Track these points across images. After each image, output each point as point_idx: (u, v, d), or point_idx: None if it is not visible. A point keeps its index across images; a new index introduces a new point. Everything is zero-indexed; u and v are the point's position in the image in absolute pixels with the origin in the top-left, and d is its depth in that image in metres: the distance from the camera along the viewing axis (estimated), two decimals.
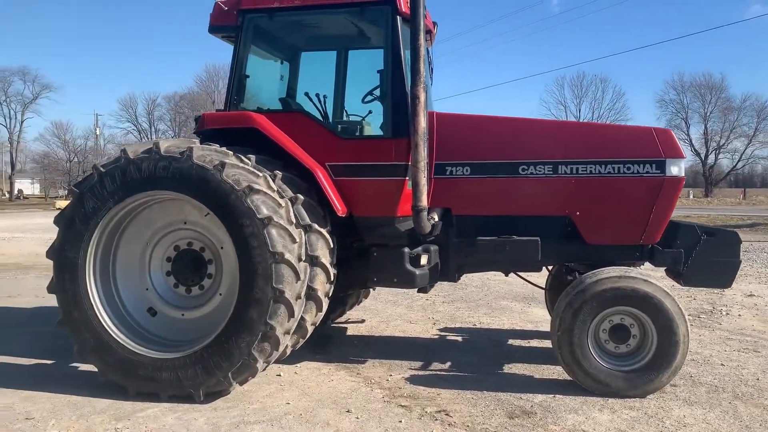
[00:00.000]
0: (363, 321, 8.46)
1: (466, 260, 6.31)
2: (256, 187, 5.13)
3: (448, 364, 6.46)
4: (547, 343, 7.22)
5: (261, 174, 5.28)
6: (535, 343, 7.34)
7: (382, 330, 8.00)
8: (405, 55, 5.96)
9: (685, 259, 5.93)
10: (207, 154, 5.26)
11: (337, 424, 4.85)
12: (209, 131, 5.88)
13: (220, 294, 5.59)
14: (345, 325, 8.20)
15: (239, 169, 5.20)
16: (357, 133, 6.41)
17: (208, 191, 5.13)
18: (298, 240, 5.22)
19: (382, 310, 9.16)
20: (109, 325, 5.41)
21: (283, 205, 5.27)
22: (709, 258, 5.90)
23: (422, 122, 5.68)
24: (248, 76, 6.33)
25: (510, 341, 7.43)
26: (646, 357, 5.41)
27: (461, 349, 7.04)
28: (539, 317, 8.67)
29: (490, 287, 11.17)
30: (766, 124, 71.99)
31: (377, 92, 6.35)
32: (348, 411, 5.12)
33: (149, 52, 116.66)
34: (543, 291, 7.51)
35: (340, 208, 5.79)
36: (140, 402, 5.23)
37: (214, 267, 5.64)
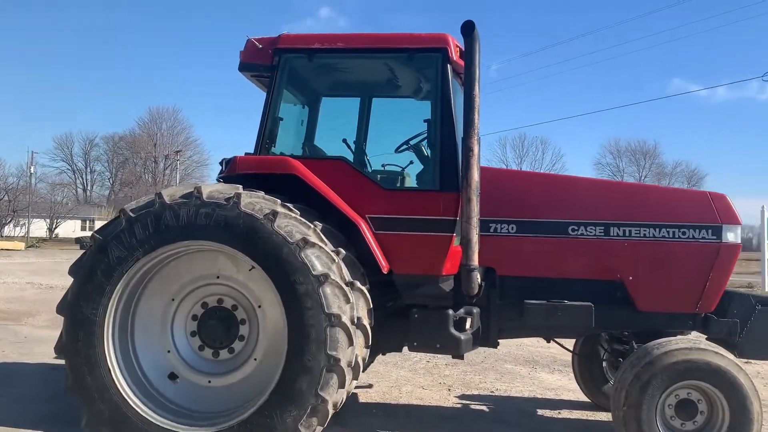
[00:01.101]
0: (371, 386, 7.85)
1: (509, 324, 5.88)
2: (311, 240, 4.62)
3: None
4: (578, 414, 6.83)
5: (311, 225, 4.77)
6: (566, 414, 6.90)
7: (396, 397, 7.40)
8: (455, 104, 5.64)
9: (740, 329, 5.68)
10: (256, 201, 4.73)
11: None
12: (237, 177, 5.33)
13: (255, 359, 4.96)
14: (354, 390, 7.57)
15: (291, 220, 4.69)
16: (400, 185, 5.98)
17: (257, 243, 4.58)
18: (351, 300, 4.69)
19: (386, 373, 8.57)
20: (128, 394, 4.71)
21: (336, 260, 4.76)
22: (764, 328, 5.66)
23: (476, 176, 5.33)
24: (281, 119, 5.86)
25: (539, 411, 6.96)
26: None
27: (492, 421, 6.52)
28: (553, 384, 8.27)
29: (488, 349, 10.70)
30: (696, 188, 75.31)
31: (413, 142, 6.02)
32: None
33: (90, 92, 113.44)
34: (545, 353, 7.12)
35: (384, 264, 5.31)
36: None
37: (247, 328, 5.02)
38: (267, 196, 4.85)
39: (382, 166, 6.26)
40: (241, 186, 4.89)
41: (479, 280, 5.45)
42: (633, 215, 5.72)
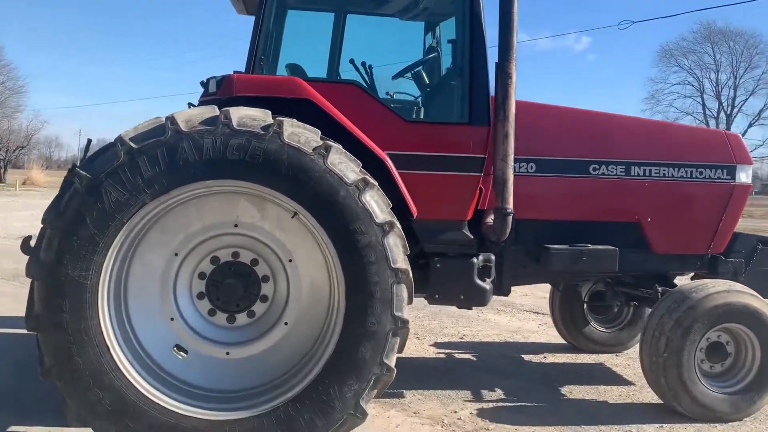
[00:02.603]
0: None
1: (524, 270, 5.46)
2: (371, 181, 3.80)
3: (498, 391, 5.56)
4: (562, 357, 6.68)
5: (360, 163, 3.93)
6: (551, 358, 6.71)
7: None
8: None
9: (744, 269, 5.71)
10: (300, 132, 3.78)
11: None
12: (226, 101, 4.27)
13: (286, 324, 4.08)
14: None
15: (343, 156, 3.81)
16: (423, 116, 5.20)
17: (306, 184, 3.66)
18: (408, 252, 3.96)
19: None
20: (132, 375, 3.66)
21: (390, 205, 3.98)
22: (764, 267, 5.73)
23: (513, 107, 4.73)
24: (281, 31, 4.82)
25: (525, 357, 6.71)
26: (748, 377, 5.03)
27: (486, 371, 6.15)
28: (512, 326, 8.13)
29: None
30: None
31: (424, 68, 5.28)
32: None
33: None
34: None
35: (414, 209, 4.59)
36: None
37: (271, 287, 4.10)
38: (309, 126, 3.90)
39: (387, 94, 5.43)
40: (269, 112, 3.89)
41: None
42: (654, 154, 5.46)
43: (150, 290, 3.96)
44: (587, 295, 6.82)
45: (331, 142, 3.74)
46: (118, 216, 3.56)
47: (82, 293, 3.54)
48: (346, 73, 5.96)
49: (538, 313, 8.86)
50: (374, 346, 3.72)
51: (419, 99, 5.27)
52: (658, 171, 5.45)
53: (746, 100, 55.44)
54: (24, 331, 6.60)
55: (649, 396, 5.53)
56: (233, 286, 4.04)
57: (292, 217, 3.84)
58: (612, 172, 5.41)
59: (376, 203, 3.77)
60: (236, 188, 3.77)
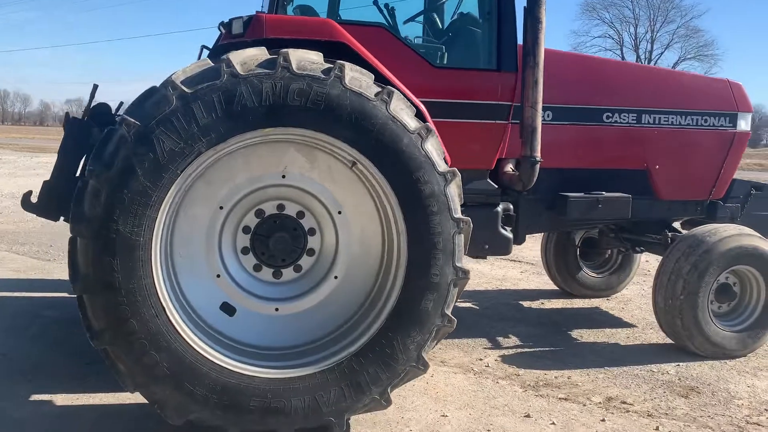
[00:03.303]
0: None
1: (538, 219, 5.50)
2: (432, 128, 3.67)
3: (513, 337, 5.65)
4: (558, 303, 6.84)
5: (414, 110, 3.78)
6: (548, 304, 6.86)
7: None
8: None
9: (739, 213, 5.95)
10: (359, 76, 3.58)
11: None
12: (260, 43, 4.01)
13: (336, 277, 3.94)
14: None
15: (402, 102, 3.65)
16: (451, 62, 5.04)
17: (369, 132, 3.48)
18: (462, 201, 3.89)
19: None
20: (189, 335, 3.46)
21: (444, 152, 3.88)
22: (757, 212, 6.00)
23: (543, 53, 4.68)
24: None
25: (524, 304, 6.83)
26: (753, 315, 5.30)
27: (490, 318, 6.23)
28: (495, 275, 8.24)
29: None
30: None
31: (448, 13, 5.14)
32: (527, 415, 4.07)
33: None
34: None
35: (449, 158, 4.50)
36: None
37: (318, 240, 3.94)
38: (363, 70, 3.70)
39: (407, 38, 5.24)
40: (321, 54, 3.66)
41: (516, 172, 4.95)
42: (663, 102, 5.56)
43: (195, 246, 3.72)
44: (580, 241, 6.97)
45: (391, 88, 3.56)
46: (171, 167, 3.29)
47: (135, 250, 3.28)
48: (347, 13, 5.74)
49: (515, 261, 9.01)
50: (437, 297, 3.65)
51: (445, 44, 5.11)
52: (666, 119, 5.56)
53: (662, 53, 57.74)
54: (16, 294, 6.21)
55: (654, 337, 5.76)
56: (279, 239, 3.85)
57: (351, 167, 3.66)
58: (624, 120, 5.47)
59: (436, 151, 3.66)
60: (288, 137, 3.55)
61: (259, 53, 3.46)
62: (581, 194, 5.31)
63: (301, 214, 3.89)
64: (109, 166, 3.23)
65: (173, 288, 3.58)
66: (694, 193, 5.78)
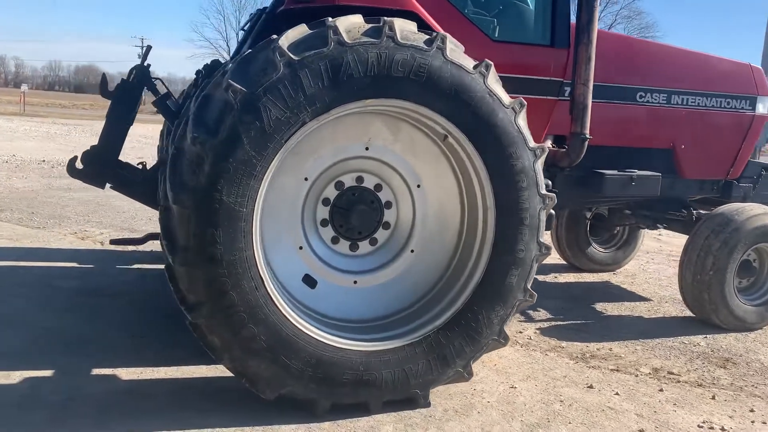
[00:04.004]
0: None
1: (572, 195, 5.60)
2: (524, 102, 3.68)
3: (542, 311, 5.79)
4: (569, 276, 7.02)
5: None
6: (561, 278, 7.04)
7: None
8: None
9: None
10: (457, 48, 3.55)
11: (612, 404, 3.93)
12: (329, 9, 3.92)
13: (412, 251, 3.94)
14: None
15: (496, 75, 3.64)
16: (508, 36, 5.01)
17: (467, 105, 3.47)
18: None
19: None
20: (284, 308, 3.40)
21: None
22: (767, 191, 6.30)
23: (596, 30, 4.76)
24: None
25: (537, 277, 6.96)
26: None
27: None
28: None
29: None
30: None
31: None
32: (590, 386, 4.20)
33: None
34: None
35: None
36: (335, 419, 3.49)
37: (394, 213, 3.92)
38: (456, 41, 3.67)
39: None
40: (415, 24, 3.60)
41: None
42: (690, 84, 5.72)
43: (281, 218, 3.65)
44: (590, 217, 7.16)
45: (488, 61, 3.55)
46: (277, 136, 3.19)
47: (237, 222, 3.19)
48: None
49: None
50: (521, 272, 3.70)
51: (501, 18, 5.09)
52: (693, 100, 5.73)
53: None
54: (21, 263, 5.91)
55: (671, 310, 6.02)
56: (356, 212, 3.81)
57: (444, 140, 3.64)
58: (656, 100, 5.61)
59: (526, 127, 3.68)
60: (380, 108, 3.50)
61: (360, 21, 3.37)
62: (616, 172, 5.44)
63: (378, 187, 3.86)
64: (214, 134, 3.11)
65: (266, 260, 3.50)
66: (713, 173, 6.01)
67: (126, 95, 4.41)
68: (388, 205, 3.90)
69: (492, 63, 3.55)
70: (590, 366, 4.56)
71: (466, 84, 3.45)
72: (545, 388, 4.13)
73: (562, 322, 5.50)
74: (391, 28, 3.31)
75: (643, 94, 5.57)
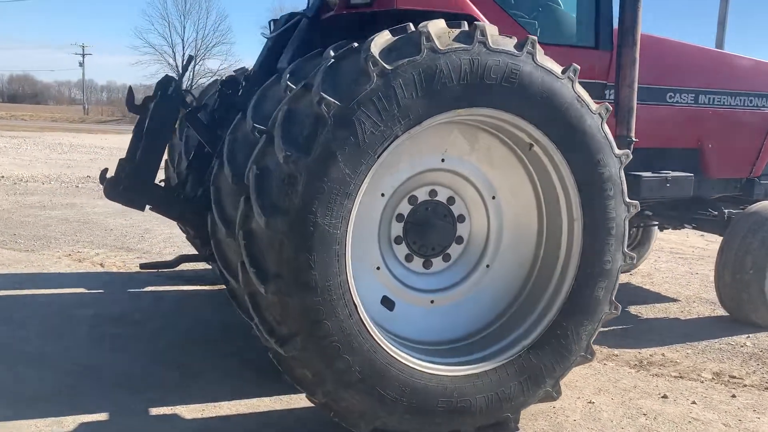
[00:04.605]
0: None
1: None
2: (610, 108, 3.55)
3: None
4: None
5: None
6: None
7: None
8: None
9: None
10: (543, 53, 3.38)
11: (695, 414, 3.84)
12: (389, 14, 3.73)
13: (488, 266, 3.75)
14: None
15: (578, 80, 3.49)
16: (553, 38, 4.86)
17: (558, 113, 3.31)
18: None
19: None
20: (378, 335, 3.17)
21: None
22: None
23: (640, 32, 4.70)
24: None
25: None
26: None
27: None
28: None
29: None
30: None
31: None
32: (664, 396, 4.10)
33: None
34: None
35: None
36: None
37: (467, 227, 3.73)
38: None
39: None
40: (496, 27, 3.42)
41: None
42: (716, 83, 5.73)
43: (361, 237, 3.40)
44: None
45: (576, 65, 3.40)
46: (370, 152, 2.97)
47: (332, 245, 2.95)
48: None
49: None
50: (608, 284, 3.56)
51: (546, 20, 4.96)
52: (719, 99, 5.74)
53: None
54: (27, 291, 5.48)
55: (703, 310, 6.02)
56: (431, 227, 3.61)
57: (530, 149, 3.47)
58: (684, 100, 5.58)
59: (610, 133, 3.54)
60: (463, 118, 3.31)
61: (445, 26, 3.16)
62: (651, 173, 5.38)
63: (451, 200, 3.67)
64: (306, 151, 2.86)
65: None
66: (737, 171, 6.02)
67: (162, 109, 4.08)
68: (461, 218, 3.70)
69: (579, 67, 3.40)
70: (653, 374, 4.47)
71: (556, 90, 3.29)
72: (622, 401, 4.00)
73: (603, 328, 5.38)
74: (483, 33, 3.12)
75: (673, 95, 5.53)
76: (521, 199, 3.72)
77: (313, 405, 3.21)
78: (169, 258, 4.84)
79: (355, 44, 3.12)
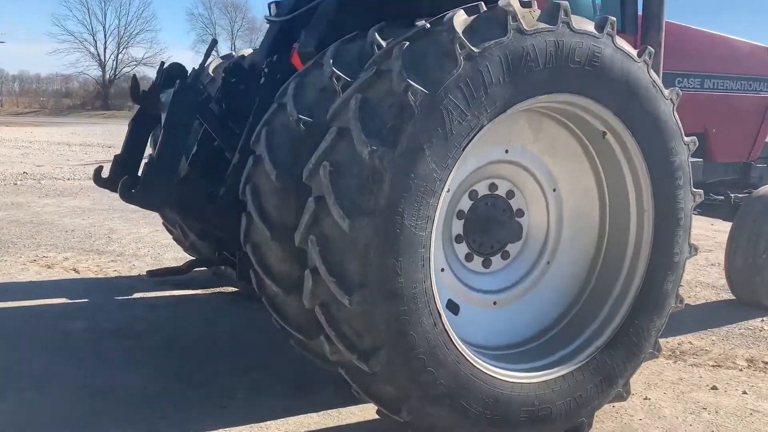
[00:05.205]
0: None
1: None
2: (680, 92, 3.39)
3: None
4: None
5: None
6: None
7: None
8: None
9: None
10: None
11: (754, 406, 3.77)
12: None
13: (548, 262, 3.54)
14: None
15: None
16: None
17: (635, 98, 3.12)
18: None
19: None
20: (459, 345, 2.90)
21: None
22: None
23: (665, 15, 4.59)
24: None
25: None
26: None
27: None
28: None
29: None
30: None
31: None
32: (713, 387, 4.02)
33: None
34: None
35: None
36: None
37: (526, 221, 3.50)
38: None
39: None
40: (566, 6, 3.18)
41: None
42: (720, 67, 5.71)
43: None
44: None
45: (651, 48, 3.21)
46: (456, 145, 2.69)
47: (417, 248, 2.67)
48: None
49: None
50: (675, 278, 3.42)
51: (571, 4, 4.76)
52: (722, 83, 5.73)
53: None
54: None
55: (709, 295, 6.05)
56: (492, 223, 3.37)
57: (604, 137, 3.26)
58: (691, 84, 5.54)
59: (679, 119, 3.39)
60: (541, 105, 3.08)
61: (516, 4, 2.90)
62: None
63: (510, 194, 3.43)
64: (392, 145, 2.56)
65: None
66: (737, 155, 6.04)
67: (183, 99, 3.64)
68: (519, 213, 3.47)
69: (654, 50, 3.21)
70: (690, 364, 4.39)
71: (633, 73, 3.09)
72: (675, 395, 3.89)
73: None
74: (566, 13, 2.89)
75: (681, 79, 5.47)
76: (582, 191, 3.52)
77: (369, 419, 2.93)
78: (166, 263, 4.42)
79: (426, 24, 2.82)
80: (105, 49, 71.02)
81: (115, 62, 71.05)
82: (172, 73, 4.01)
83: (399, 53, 2.68)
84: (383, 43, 3.17)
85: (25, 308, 5.03)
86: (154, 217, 8.56)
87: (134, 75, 3.95)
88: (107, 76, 70.35)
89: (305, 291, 2.79)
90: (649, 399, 3.82)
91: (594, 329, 3.36)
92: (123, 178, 3.58)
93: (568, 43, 2.87)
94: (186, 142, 3.74)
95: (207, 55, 4.01)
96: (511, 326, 3.43)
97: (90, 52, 70.81)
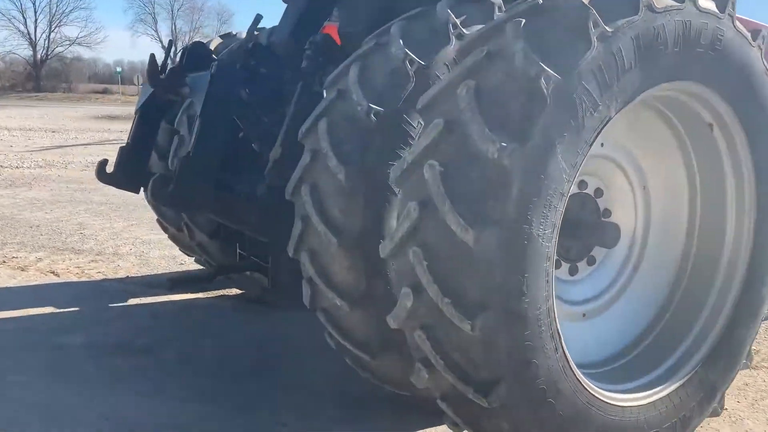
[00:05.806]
0: None
1: None
2: None
3: None
4: None
5: None
6: None
7: None
8: None
9: None
10: None
11: None
12: None
13: (634, 267, 3.21)
14: None
15: None
16: None
17: (751, 87, 2.81)
18: None
19: None
20: (578, 372, 2.54)
21: None
22: None
23: None
24: None
25: None
26: None
27: None
28: None
29: None
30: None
31: None
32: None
33: None
34: None
35: None
36: None
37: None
38: None
39: None
40: None
41: None
42: None
43: None
44: None
45: (764, 31, 2.89)
46: (585, 139, 2.31)
47: (542, 262, 2.28)
48: None
49: None
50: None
51: None
52: None
53: None
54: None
55: None
56: (582, 225, 3.02)
57: (712, 130, 2.93)
58: None
59: None
60: (656, 94, 2.72)
61: None
62: None
63: (598, 192, 3.08)
64: (522, 141, 2.15)
65: None
66: None
67: (223, 85, 3.13)
68: (606, 213, 3.13)
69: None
70: (749, 367, 4.17)
71: (751, 60, 2.78)
72: (750, 404, 3.68)
73: None
74: None
75: None
76: (672, 189, 3.20)
77: None
78: (154, 262, 3.90)
79: None
80: (36, 27, 67.44)
81: (47, 41, 67.59)
82: (195, 53, 3.48)
83: (518, 31, 2.26)
84: (457, 21, 2.80)
85: (9, 320, 4.41)
86: (127, 210, 7.94)
87: (152, 54, 3.37)
88: (38, 56, 66.85)
89: (399, 310, 2.36)
90: (727, 409, 3.55)
91: (690, 342, 3.05)
92: (153, 176, 3.06)
93: (695, 24, 2.52)
94: (225, 135, 3.23)
95: (252, 28, 3.48)
96: (600, 340, 3.09)
97: (20, 31, 67.12)
